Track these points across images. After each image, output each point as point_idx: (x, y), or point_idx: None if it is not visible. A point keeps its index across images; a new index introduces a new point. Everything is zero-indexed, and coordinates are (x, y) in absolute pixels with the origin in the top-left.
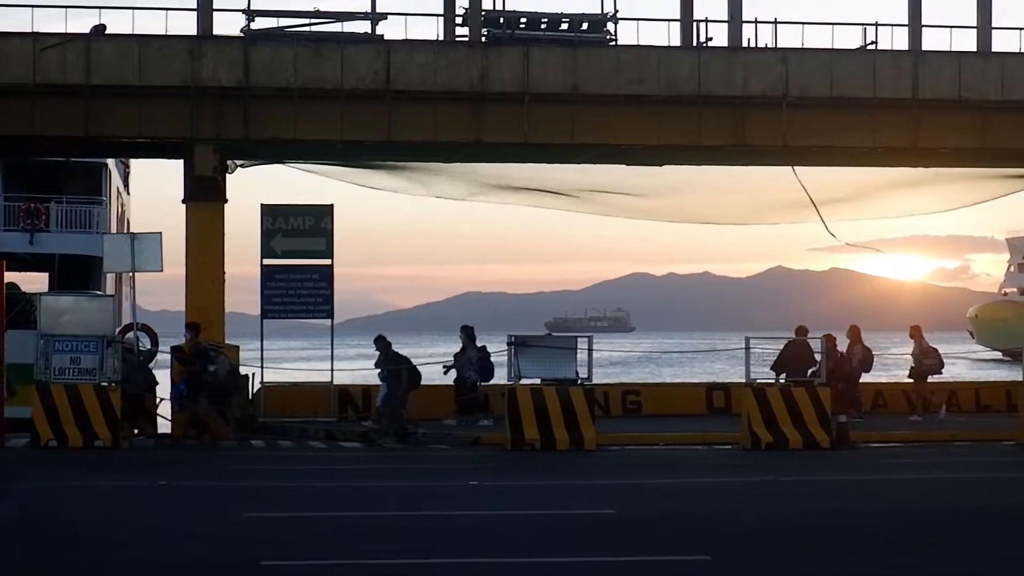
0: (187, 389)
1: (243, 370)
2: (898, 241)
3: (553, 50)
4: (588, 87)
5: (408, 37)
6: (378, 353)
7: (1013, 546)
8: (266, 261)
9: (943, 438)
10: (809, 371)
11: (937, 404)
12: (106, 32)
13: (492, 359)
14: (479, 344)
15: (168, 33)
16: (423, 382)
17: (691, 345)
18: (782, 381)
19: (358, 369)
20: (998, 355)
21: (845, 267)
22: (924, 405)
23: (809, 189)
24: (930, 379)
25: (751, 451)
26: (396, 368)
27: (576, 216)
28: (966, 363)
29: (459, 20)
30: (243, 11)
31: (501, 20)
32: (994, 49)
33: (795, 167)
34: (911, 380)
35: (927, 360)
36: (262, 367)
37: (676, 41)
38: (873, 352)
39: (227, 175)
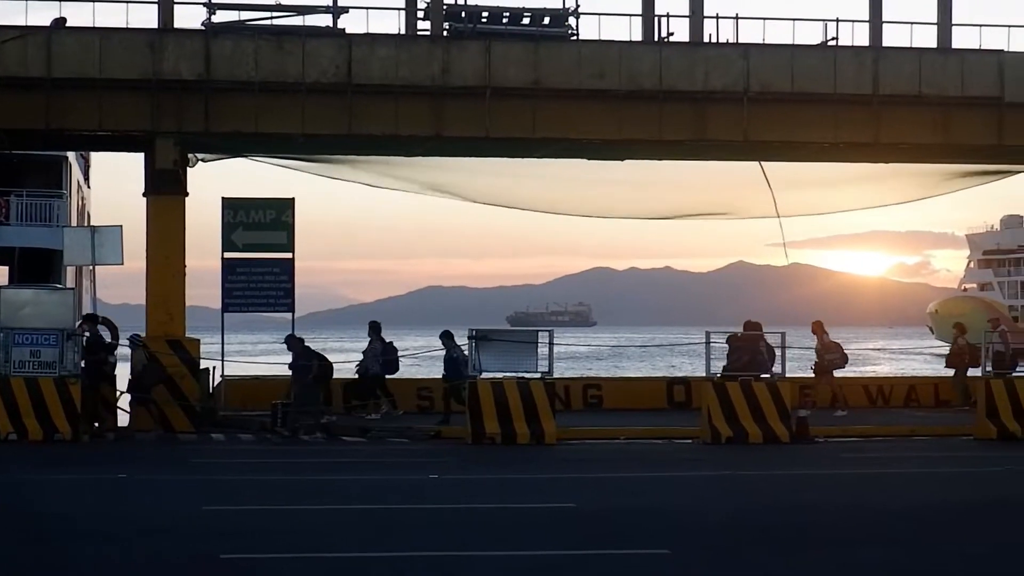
0: (88, 379)
1: (204, 363)
2: (858, 237)
3: (515, 44)
4: (549, 81)
5: (370, 31)
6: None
7: (972, 541)
8: (227, 254)
9: (903, 433)
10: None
11: (842, 400)
12: (67, 25)
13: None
14: (387, 340)
15: (129, 26)
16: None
17: (652, 340)
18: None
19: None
20: None
21: (806, 262)
22: (833, 399)
23: (769, 181)
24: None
25: (711, 445)
26: (307, 363)
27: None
28: (926, 358)
29: (421, 14)
30: (204, 4)
31: (463, 14)
32: (954, 46)
33: (762, 163)
34: (814, 375)
35: (828, 355)
36: (223, 360)
37: (637, 36)
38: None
39: (188, 168)
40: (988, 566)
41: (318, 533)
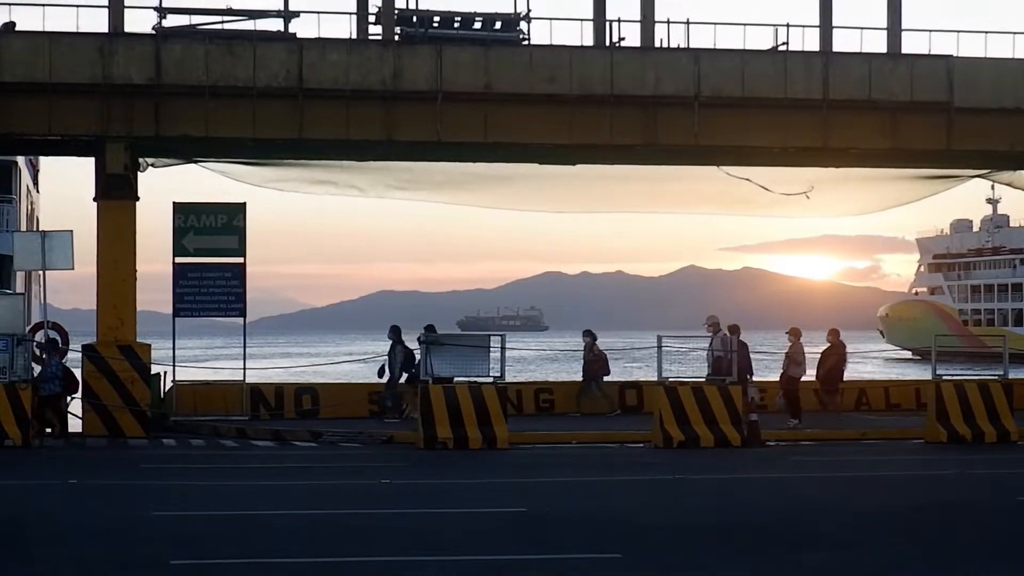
0: None
1: (155, 368)
2: (808, 241)
3: (466, 49)
4: (501, 86)
5: (321, 35)
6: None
7: (911, 544)
8: (178, 259)
9: (853, 436)
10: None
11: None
12: (16, 29)
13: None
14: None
15: (79, 30)
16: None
17: (604, 344)
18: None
19: (271, 368)
20: (908, 354)
21: (757, 266)
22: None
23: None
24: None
25: (663, 449)
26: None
27: (489, 214)
28: (876, 362)
29: (372, 19)
30: (155, 8)
31: (414, 19)
32: (903, 51)
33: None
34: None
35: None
36: (174, 365)
37: (589, 41)
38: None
39: (139, 173)
40: (931, 569)
41: (268, 538)
